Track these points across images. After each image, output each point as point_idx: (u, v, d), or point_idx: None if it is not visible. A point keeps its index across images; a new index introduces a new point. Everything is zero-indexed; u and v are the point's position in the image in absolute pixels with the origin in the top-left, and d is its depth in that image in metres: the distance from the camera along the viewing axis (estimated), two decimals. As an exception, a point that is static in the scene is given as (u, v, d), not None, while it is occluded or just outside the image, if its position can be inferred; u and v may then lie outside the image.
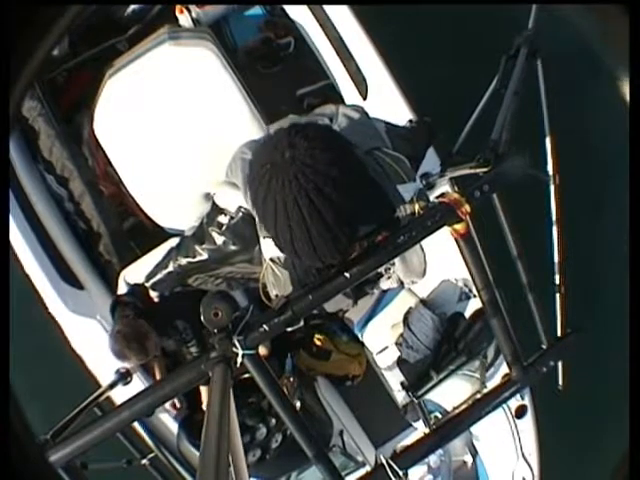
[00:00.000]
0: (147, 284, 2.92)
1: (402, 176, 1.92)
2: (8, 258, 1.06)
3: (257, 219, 1.73)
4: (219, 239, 2.39)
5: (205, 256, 2.51)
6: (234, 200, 2.22)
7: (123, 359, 2.89)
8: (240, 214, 2.25)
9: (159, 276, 2.83)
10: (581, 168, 3.94)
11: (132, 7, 3.51)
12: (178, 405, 3.31)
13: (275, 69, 3.64)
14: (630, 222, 1.04)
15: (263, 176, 1.55)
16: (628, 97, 1.00)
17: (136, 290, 3.09)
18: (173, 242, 2.96)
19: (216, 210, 2.38)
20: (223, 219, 2.34)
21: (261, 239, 1.99)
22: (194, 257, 2.56)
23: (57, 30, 0.77)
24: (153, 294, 2.94)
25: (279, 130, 1.64)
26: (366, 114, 2.03)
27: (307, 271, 1.96)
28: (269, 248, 1.94)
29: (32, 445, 1.01)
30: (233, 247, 2.37)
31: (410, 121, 2.71)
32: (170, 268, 2.73)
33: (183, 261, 2.64)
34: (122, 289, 3.21)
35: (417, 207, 1.87)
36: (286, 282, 1.94)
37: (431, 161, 2.70)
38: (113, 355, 2.90)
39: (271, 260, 1.96)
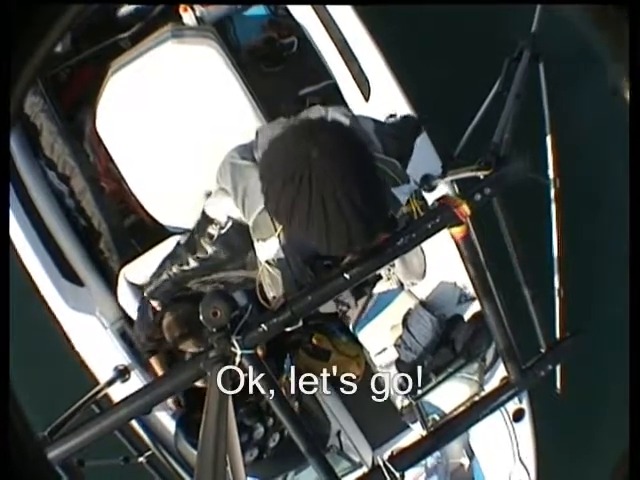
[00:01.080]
0: (145, 294, 2.91)
1: (396, 180, 1.93)
2: (8, 254, 1.06)
3: (277, 214, 1.76)
4: (210, 249, 2.38)
5: (197, 265, 2.50)
6: (224, 208, 2.20)
7: (182, 344, 2.83)
8: (230, 223, 2.23)
9: (155, 285, 2.81)
10: (581, 168, 3.93)
11: (135, 5, 3.50)
12: (183, 403, 3.29)
13: (278, 68, 3.64)
14: (630, 222, 1.04)
15: (292, 176, 1.59)
16: (628, 97, 1.00)
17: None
18: (173, 241, 2.95)
19: (205, 220, 2.37)
20: (213, 229, 2.32)
21: (255, 242, 1.98)
22: (188, 266, 2.55)
23: (57, 29, 0.77)
24: (154, 303, 2.92)
25: (299, 127, 1.69)
26: (355, 118, 2.02)
27: (303, 271, 1.96)
28: (264, 250, 1.94)
29: (31, 443, 1.01)
30: (224, 255, 2.36)
31: (392, 115, 2.72)
32: (164, 277, 2.72)
33: (176, 270, 2.62)
34: (122, 287, 3.21)
35: (414, 206, 1.88)
36: (282, 283, 1.94)
37: (432, 163, 2.70)
38: (170, 341, 2.84)
39: (266, 262, 1.96)
